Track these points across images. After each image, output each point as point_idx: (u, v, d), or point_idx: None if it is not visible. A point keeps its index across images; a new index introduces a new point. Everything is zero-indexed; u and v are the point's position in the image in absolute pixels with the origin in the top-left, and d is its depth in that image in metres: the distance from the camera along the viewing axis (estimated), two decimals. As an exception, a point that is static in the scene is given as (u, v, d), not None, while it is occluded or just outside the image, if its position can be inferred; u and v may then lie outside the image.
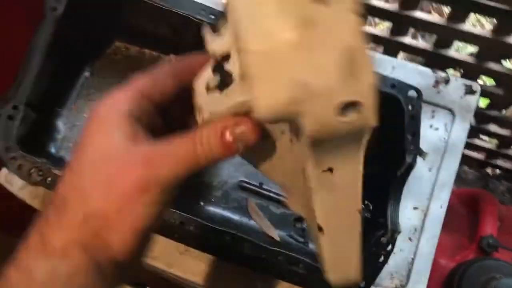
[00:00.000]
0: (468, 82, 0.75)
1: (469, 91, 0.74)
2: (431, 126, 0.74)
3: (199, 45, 0.55)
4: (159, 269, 0.68)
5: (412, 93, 0.65)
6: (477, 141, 1.33)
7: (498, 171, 1.45)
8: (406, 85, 0.65)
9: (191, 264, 0.68)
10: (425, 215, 0.70)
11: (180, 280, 0.87)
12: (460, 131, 0.73)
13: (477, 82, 0.75)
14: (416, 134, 0.65)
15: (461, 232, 0.92)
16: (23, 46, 0.63)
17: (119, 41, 0.77)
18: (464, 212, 0.97)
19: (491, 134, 1.26)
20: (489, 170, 1.46)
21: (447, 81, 0.75)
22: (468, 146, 1.36)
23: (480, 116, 1.18)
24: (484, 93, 1.10)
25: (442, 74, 0.76)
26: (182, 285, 0.93)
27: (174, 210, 0.60)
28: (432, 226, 0.69)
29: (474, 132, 1.27)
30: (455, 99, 0.74)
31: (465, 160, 1.44)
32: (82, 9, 0.67)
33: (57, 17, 0.65)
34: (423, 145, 0.74)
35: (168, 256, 0.68)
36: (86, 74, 0.76)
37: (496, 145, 1.31)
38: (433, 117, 0.74)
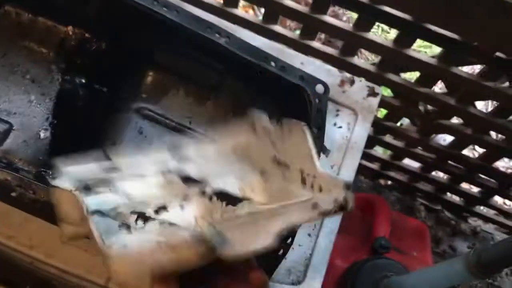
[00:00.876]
0: (371, 84, 0.77)
1: (372, 93, 0.76)
2: (335, 124, 0.74)
3: (101, 17, 0.51)
4: (37, 261, 0.61)
5: (319, 88, 0.65)
6: (373, 152, 1.39)
7: (390, 182, 1.52)
8: (314, 79, 0.65)
9: (76, 255, 0.61)
10: (325, 211, 0.70)
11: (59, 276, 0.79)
12: (362, 130, 0.75)
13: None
14: (321, 128, 0.65)
15: (355, 234, 0.94)
16: None
17: (10, 5, 0.69)
18: (359, 216, 1.00)
19: (386, 145, 1.32)
20: (382, 181, 1.53)
21: (352, 81, 0.76)
22: (365, 156, 1.42)
23: (378, 126, 1.23)
24: (383, 103, 1.15)
25: (347, 74, 0.77)
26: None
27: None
28: (331, 221, 0.69)
29: (371, 142, 1.33)
30: (358, 100, 0.76)
31: (360, 169, 1.50)
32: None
33: None
34: (326, 142, 0.74)
35: (49, 245, 0.61)
36: (-34, 38, 0.67)
37: (390, 156, 1.37)
38: (337, 115, 0.75)
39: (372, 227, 0.91)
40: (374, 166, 1.44)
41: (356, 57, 1.04)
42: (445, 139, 1.44)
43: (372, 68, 1.03)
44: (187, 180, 0.51)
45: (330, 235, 0.69)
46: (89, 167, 0.46)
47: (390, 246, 0.85)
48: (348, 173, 0.72)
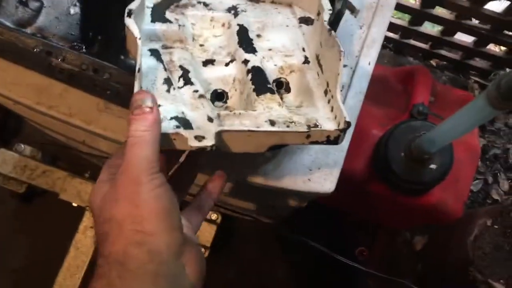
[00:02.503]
0: None
1: None
2: (364, -18, 0.71)
3: None
4: (78, 127, 0.66)
5: None
6: (422, 29, 1.32)
7: (441, 62, 1.45)
8: None
9: (111, 121, 0.65)
10: (354, 72, 0.69)
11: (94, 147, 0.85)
12: (393, -13, 0.71)
13: None
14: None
15: (395, 105, 0.93)
16: None
17: None
18: (400, 88, 0.97)
19: (435, 19, 1.24)
20: (433, 62, 1.47)
21: None
22: (413, 34, 1.35)
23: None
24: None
25: None
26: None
27: (86, 55, 0.56)
28: (359, 82, 0.68)
29: (419, 18, 1.25)
30: (388, -44, 0.71)
31: (409, 50, 1.44)
32: None
33: None
34: (355, 1, 0.71)
35: (87, 113, 0.65)
36: None
37: (441, 32, 1.30)
38: (367, -27, 0.71)
39: (411, 96, 0.89)
40: (424, 45, 1.38)
41: None
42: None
43: None
44: (242, 42, 0.58)
45: (359, 95, 0.68)
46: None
47: (428, 112, 0.83)
48: (378, 32, 0.70)
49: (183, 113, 0.52)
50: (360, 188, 0.83)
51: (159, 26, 0.59)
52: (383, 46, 1.46)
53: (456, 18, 1.20)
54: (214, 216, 1.13)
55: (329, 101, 0.54)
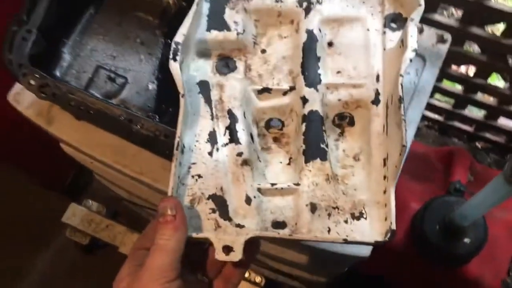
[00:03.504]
0: (440, 31, 0.80)
1: (441, 39, 0.80)
2: (403, 71, 0.80)
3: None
4: (146, 184, 0.76)
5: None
6: (466, 112, 1.38)
7: (486, 144, 1.49)
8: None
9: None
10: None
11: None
12: (429, 76, 0.79)
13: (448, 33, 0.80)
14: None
15: (435, 182, 0.98)
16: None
17: (123, -15, 0.84)
18: (440, 167, 1.03)
19: (478, 104, 1.31)
20: (478, 144, 1.51)
21: (421, 30, 0.81)
22: (458, 118, 1.41)
23: (468, 84, 1.23)
24: (470, 60, 1.15)
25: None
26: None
27: (159, 123, 0.67)
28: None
29: (462, 102, 1.32)
30: (427, 47, 0.80)
31: (455, 132, 1.49)
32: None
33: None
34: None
35: (155, 172, 0.75)
36: (91, 11, 0.84)
37: (484, 116, 1.35)
38: (405, 62, 0.80)
39: (449, 174, 0.95)
40: (468, 127, 1.43)
41: (436, 13, 1.06)
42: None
43: (455, 24, 1.05)
44: (307, 64, 0.53)
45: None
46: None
47: (464, 189, 0.88)
48: (415, 114, 0.77)
49: (221, 189, 0.50)
50: (398, 258, 0.88)
51: (214, 36, 0.56)
52: (429, 127, 1.52)
53: (498, 104, 1.25)
54: (257, 279, 1.16)
55: (384, 178, 0.49)
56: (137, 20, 0.84)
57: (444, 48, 0.80)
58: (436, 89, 1.31)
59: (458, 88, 1.29)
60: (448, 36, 0.80)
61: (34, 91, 0.68)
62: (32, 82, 0.68)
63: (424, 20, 1.04)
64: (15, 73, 0.69)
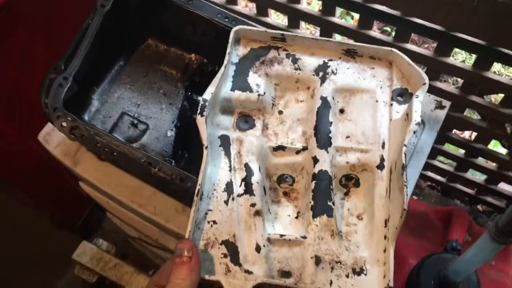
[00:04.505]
0: (439, 98, 0.87)
1: (439, 106, 0.87)
2: (403, 132, 0.86)
3: (218, 46, 0.67)
4: (158, 224, 0.81)
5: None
6: (467, 175, 1.42)
7: (487, 207, 1.53)
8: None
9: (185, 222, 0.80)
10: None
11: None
12: (428, 138, 0.85)
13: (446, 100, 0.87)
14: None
15: (433, 240, 1.02)
16: (73, 28, 0.80)
17: (151, 39, 0.93)
18: (439, 226, 1.07)
19: (479, 168, 1.35)
20: (479, 207, 1.54)
21: (421, 96, 0.88)
22: (459, 180, 1.46)
23: (468, 148, 1.29)
24: (470, 126, 1.21)
25: (417, 90, 0.88)
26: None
27: (175, 167, 0.73)
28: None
29: (463, 165, 1.37)
30: (427, 112, 0.87)
31: (456, 194, 1.53)
32: (124, 10, 0.83)
33: (105, 13, 0.81)
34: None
35: (168, 213, 0.80)
36: (121, 63, 0.92)
37: (485, 180, 1.40)
38: (406, 125, 0.86)
39: (447, 233, 0.99)
40: (470, 190, 1.47)
41: (438, 81, 1.13)
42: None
43: (456, 91, 1.12)
44: (320, 127, 0.57)
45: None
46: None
47: (460, 248, 0.92)
48: (412, 174, 0.83)
49: (234, 236, 0.54)
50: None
51: (238, 95, 0.61)
52: (432, 188, 1.57)
53: (498, 169, 1.30)
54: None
55: (385, 237, 0.52)
56: (161, 73, 0.92)
57: (442, 113, 0.86)
58: (439, 152, 1.36)
59: (460, 151, 1.34)
60: (446, 103, 0.87)
61: (66, 132, 0.75)
62: (64, 124, 0.75)
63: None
64: (49, 115, 0.76)
